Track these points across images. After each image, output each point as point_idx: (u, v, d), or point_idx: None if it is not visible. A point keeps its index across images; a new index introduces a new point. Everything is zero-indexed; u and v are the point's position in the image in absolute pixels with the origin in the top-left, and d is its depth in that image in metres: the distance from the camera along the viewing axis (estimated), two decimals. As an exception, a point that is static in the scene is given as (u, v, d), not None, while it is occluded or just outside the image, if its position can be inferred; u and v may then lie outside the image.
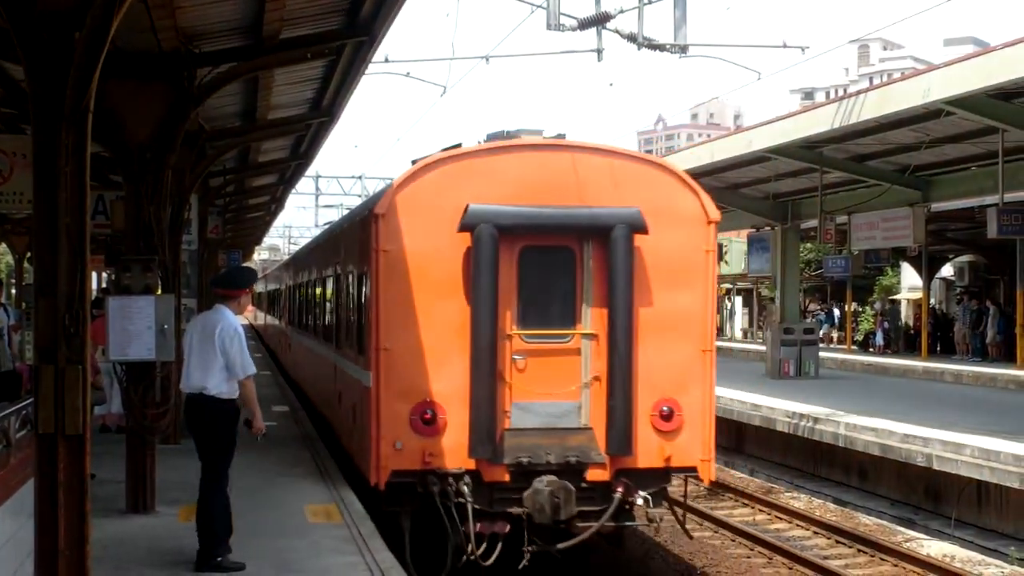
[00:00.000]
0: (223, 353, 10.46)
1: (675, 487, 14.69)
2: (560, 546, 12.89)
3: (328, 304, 19.86)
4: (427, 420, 12.90)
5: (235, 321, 10.76)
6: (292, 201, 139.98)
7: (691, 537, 15.47)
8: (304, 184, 62.24)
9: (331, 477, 15.78)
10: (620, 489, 12.94)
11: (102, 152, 14.11)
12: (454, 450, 12.86)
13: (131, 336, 11.96)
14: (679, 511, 14.27)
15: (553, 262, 13.39)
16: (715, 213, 13.91)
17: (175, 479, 14.35)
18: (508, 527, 12.81)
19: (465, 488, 12.71)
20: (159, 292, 12.72)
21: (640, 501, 13.07)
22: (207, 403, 10.52)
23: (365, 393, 13.62)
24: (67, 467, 6.77)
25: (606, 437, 12.99)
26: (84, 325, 6.83)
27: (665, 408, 13.29)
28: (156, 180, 12.98)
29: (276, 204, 41.91)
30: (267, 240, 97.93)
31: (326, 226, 33.69)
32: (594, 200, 13.21)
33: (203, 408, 10.56)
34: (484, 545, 12.65)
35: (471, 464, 12.84)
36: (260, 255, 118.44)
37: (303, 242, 61.02)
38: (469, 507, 12.63)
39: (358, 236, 14.98)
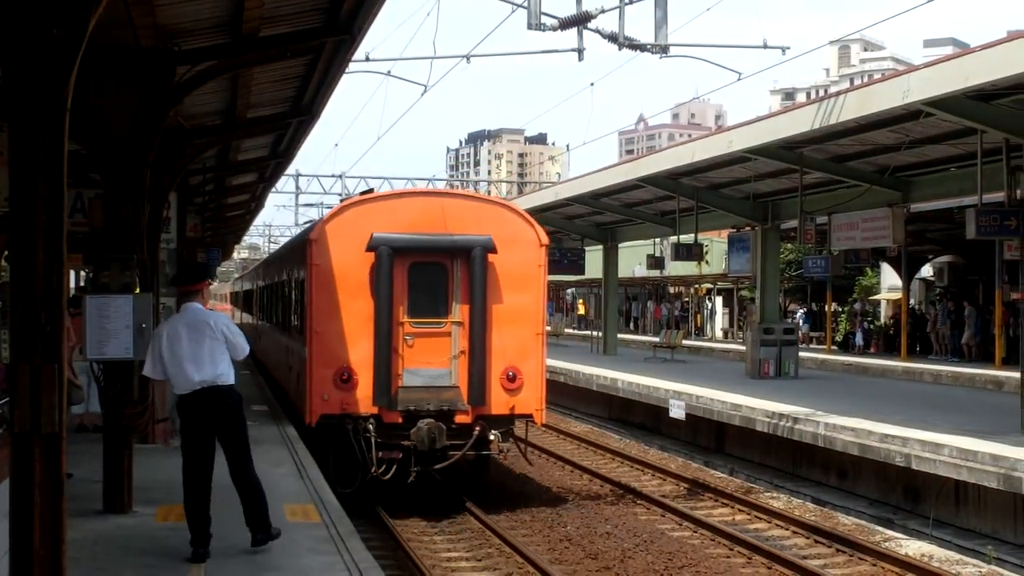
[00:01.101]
0: (226, 339, 11.04)
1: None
2: (437, 467, 18.32)
3: (282, 302, 25.45)
4: (344, 380, 18.38)
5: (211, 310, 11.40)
6: (272, 200, 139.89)
7: (531, 464, 21.68)
8: (284, 183, 62.24)
9: (310, 476, 15.78)
10: (478, 428, 18.46)
11: (80, 150, 14.06)
12: (363, 400, 18.34)
13: (109, 335, 11.91)
14: (521, 445, 19.81)
15: (432, 272, 18.86)
16: (545, 239, 19.61)
17: (152, 479, 14.34)
18: (400, 454, 18.10)
19: (370, 427, 18.15)
20: (137, 291, 12.68)
21: (492, 437, 18.52)
22: (224, 392, 11.06)
23: (303, 363, 19.26)
24: (43, 466, 6.72)
25: (468, 393, 18.45)
26: (61, 324, 6.80)
27: (510, 373, 18.79)
28: (134, 178, 12.94)
29: (256, 203, 41.89)
30: (247, 239, 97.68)
31: (288, 238, 42.37)
32: (461, 230, 18.77)
33: (222, 397, 11.06)
34: (384, 466, 18.05)
35: (375, 410, 18.28)
36: (240, 254, 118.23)
37: (283, 241, 62.03)
38: (373, 440, 18.06)
39: (299, 254, 20.86)
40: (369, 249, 18.31)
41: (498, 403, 18.63)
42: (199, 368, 10.91)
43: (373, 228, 18.44)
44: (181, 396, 11.14)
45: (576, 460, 24.47)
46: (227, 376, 11.07)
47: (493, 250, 18.53)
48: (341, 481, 17.54)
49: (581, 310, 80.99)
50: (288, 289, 23.89)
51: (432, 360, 18.63)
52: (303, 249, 19.78)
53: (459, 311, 18.68)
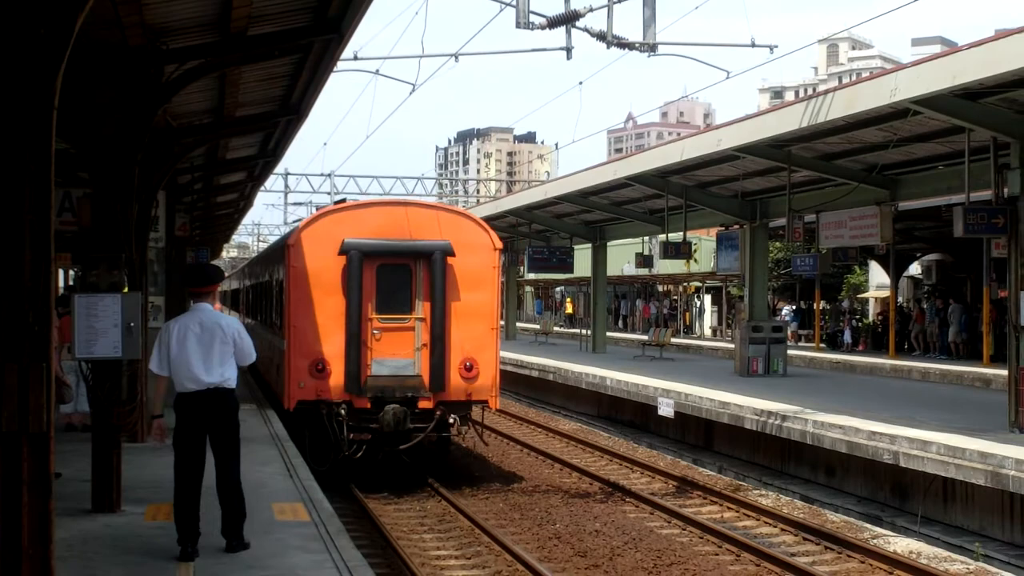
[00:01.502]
0: (236, 344, 11.08)
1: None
2: (402, 447, 20.35)
3: (264, 300, 27.28)
4: (319, 370, 20.31)
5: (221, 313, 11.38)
6: (261, 199, 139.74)
7: (486, 444, 23.75)
8: (273, 181, 62.17)
9: (299, 475, 15.77)
10: (439, 413, 20.40)
11: (68, 149, 14.04)
12: (336, 388, 20.25)
13: (97, 334, 11.87)
14: (477, 427, 21.54)
15: (397, 274, 20.71)
16: (499, 243, 21.61)
17: (141, 478, 14.33)
18: (369, 436, 20.15)
19: (342, 411, 20.04)
20: (126, 290, 12.66)
21: (452, 420, 20.57)
22: (228, 395, 11.09)
23: (282, 354, 20.96)
24: (31, 466, 6.71)
25: (430, 381, 20.38)
26: (48, 323, 6.79)
27: (467, 363, 20.69)
28: (123, 177, 12.92)
29: (245, 202, 41.86)
30: (236, 238, 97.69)
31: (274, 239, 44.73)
32: (423, 236, 20.71)
33: (225, 400, 11.08)
34: (355, 447, 20.12)
35: (346, 397, 20.17)
36: (229, 253, 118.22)
37: (272, 239, 62.58)
38: (345, 423, 20.00)
39: (279, 257, 23.05)
40: (341, 253, 20.37)
41: (457, 390, 20.65)
42: (208, 369, 10.92)
43: (345, 234, 20.52)
44: (181, 394, 11.09)
45: (566, 458, 24.47)
46: (232, 380, 11.09)
47: (452, 253, 20.55)
48: (316, 460, 19.35)
49: (569, 309, 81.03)
50: (269, 288, 25.65)
51: (397, 352, 20.59)
52: (282, 253, 21.87)
53: (421, 308, 20.67)
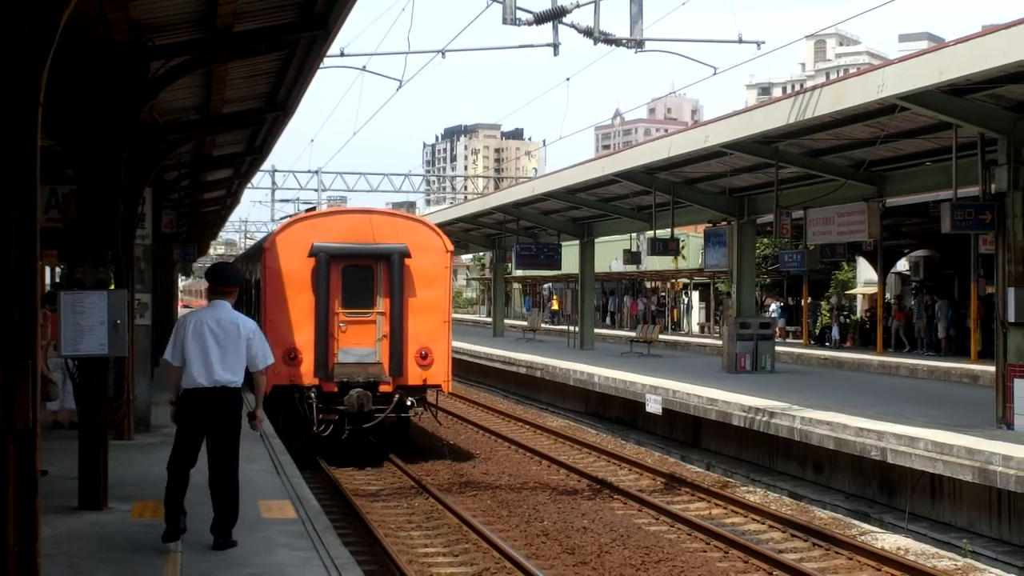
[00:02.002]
0: (249, 346, 11.12)
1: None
2: (365, 426, 22.65)
3: (244, 296, 27.85)
4: (292, 358, 22.71)
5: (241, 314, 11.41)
6: (248, 195, 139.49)
7: (440, 423, 26.90)
8: (260, 178, 62.14)
9: (286, 473, 15.75)
10: (398, 396, 22.92)
11: (54, 145, 14.00)
12: (306, 374, 22.77)
13: (83, 331, 11.85)
14: (433, 409, 24.22)
15: (361, 273, 23.28)
16: (450, 246, 24.42)
17: (128, 475, 14.31)
18: (336, 416, 22.51)
19: (312, 395, 22.58)
20: (112, 287, 12.62)
21: (409, 403, 23.11)
22: (232, 394, 11.10)
23: None
24: (17, 463, 6.68)
25: (389, 368, 22.96)
26: (35, 320, 6.76)
27: (423, 352, 23.28)
28: (109, 174, 12.88)
29: (232, 198, 41.77)
30: (223, 235, 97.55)
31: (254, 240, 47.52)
32: (383, 240, 23.33)
33: (229, 399, 11.08)
34: (323, 426, 22.56)
35: (316, 381, 22.70)
36: (216, 250, 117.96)
37: (259, 236, 63.05)
38: (315, 405, 22.51)
39: (256, 259, 25.67)
40: (311, 255, 23.01)
41: (413, 376, 23.25)
42: (220, 367, 10.96)
43: (314, 239, 23.18)
44: (188, 390, 11.05)
45: (554, 455, 24.47)
46: (240, 380, 11.14)
47: (408, 255, 23.20)
48: (289, 438, 21.43)
49: (555, 305, 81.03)
50: (248, 286, 27.74)
51: (361, 342, 23.17)
52: (259, 255, 24.63)
53: (382, 303, 23.30)
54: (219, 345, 10.98)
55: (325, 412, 22.58)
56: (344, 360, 22.89)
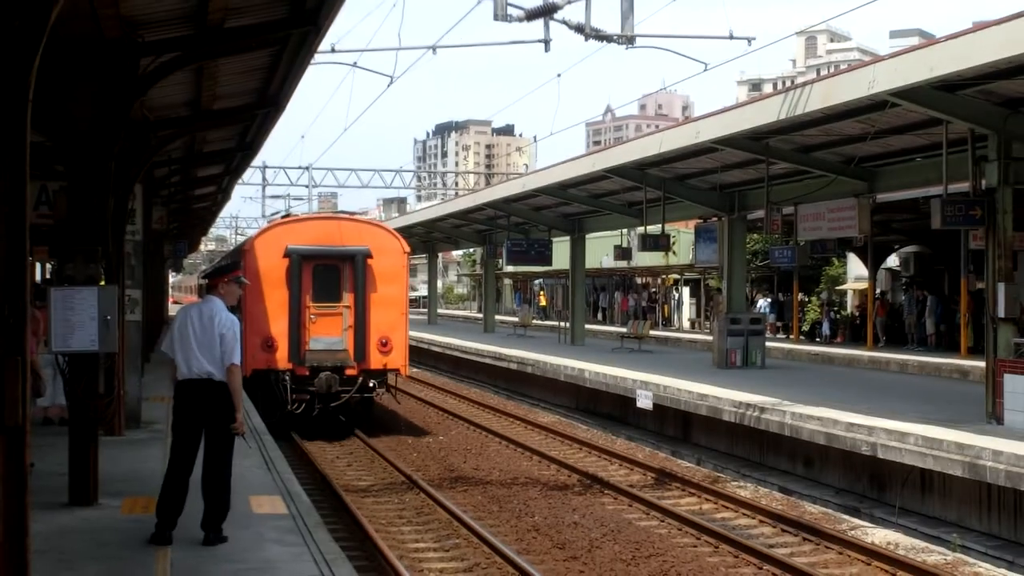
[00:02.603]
0: (221, 340, 11.04)
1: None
2: (332, 405, 25.72)
3: None
4: (269, 346, 25.56)
5: (228, 311, 11.33)
6: (239, 191, 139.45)
7: (399, 402, 29.56)
8: (251, 174, 62.13)
9: (277, 468, 15.75)
10: (362, 378, 25.82)
11: (44, 142, 13.98)
12: (281, 360, 25.61)
13: (74, 327, 11.86)
14: (393, 390, 27.26)
15: (330, 272, 26.27)
16: (407, 248, 27.55)
17: (117, 471, 14.29)
18: (307, 396, 25.52)
19: (287, 378, 25.46)
20: (102, 283, 12.62)
21: (372, 384, 26.14)
22: (217, 387, 11.04)
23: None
24: (7, 459, 6.69)
25: (354, 354, 25.92)
26: (25, 316, 6.76)
27: (383, 340, 26.16)
28: (99, 170, 12.87)
29: (222, 194, 41.73)
30: (214, 231, 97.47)
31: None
32: (349, 243, 26.37)
33: (213, 392, 11.04)
34: (296, 404, 25.45)
35: (290, 366, 25.55)
36: (207, 246, 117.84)
37: (250, 232, 63.63)
38: (288, 387, 25.40)
39: (237, 259, 27.55)
40: (285, 256, 25.88)
41: (375, 361, 26.21)
42: (198, 359, 11.01)
43: (288, 242, 26.12)
44: (179, 381, 11.14)
45: (544, 451, 24.46)
46: (221, 373, 11.10)
47: (371, 256, 26.21)
48: (266, 414, 24.35)
49: (543, 301, 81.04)
50: None
51: (329, 332, 26.06)
52: (240, 255, 27.34)
53: (348, 298, 26.22)
54: (197, 338, 11.04)
55: (298, 392, 25.53)
56: (314, 347, 25.84)
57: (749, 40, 27.98)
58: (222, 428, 11.10)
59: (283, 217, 30.41)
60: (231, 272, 11.82)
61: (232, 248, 53.84)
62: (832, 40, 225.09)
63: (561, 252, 49.02)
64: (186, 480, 11.06)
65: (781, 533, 16.93)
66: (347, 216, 29.60)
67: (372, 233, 27.39)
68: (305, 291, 25.88)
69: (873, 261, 41.30)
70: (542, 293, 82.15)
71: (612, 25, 23.69)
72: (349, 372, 25.85)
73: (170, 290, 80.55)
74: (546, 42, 23.57)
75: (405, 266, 27.48)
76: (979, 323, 30.25)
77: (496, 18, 21.81)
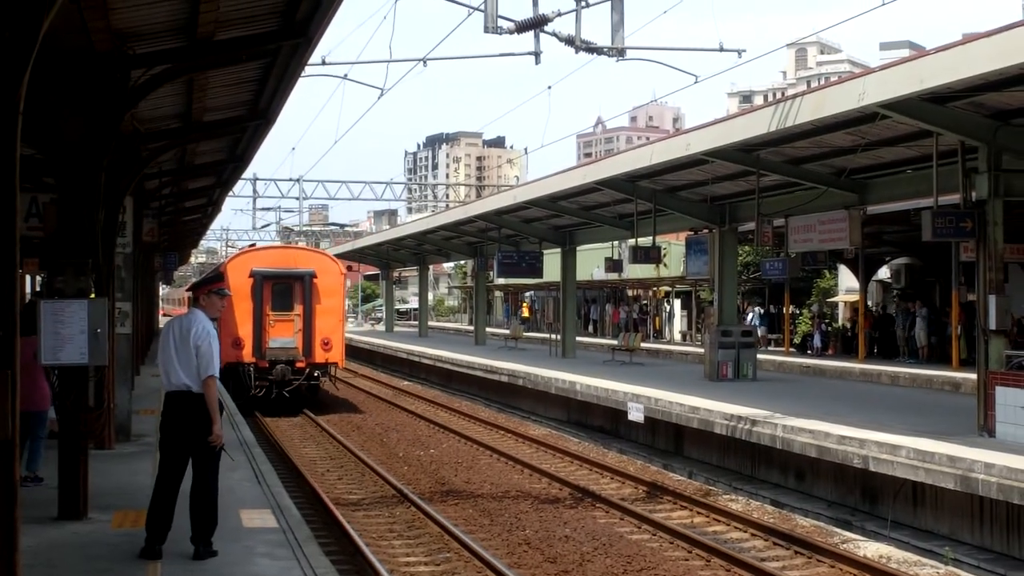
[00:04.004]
0: (196, 352, 10.98)
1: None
2: (286, 391, 33.83)
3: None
4: (237, 344, 33.33)
5: (208, 323, 11.26)
6: (229, 204, 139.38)
7: (338, 389, 39.12)
8: (241, 186, 62.05)
9: (267, 482, 15.70)
10: (308, 369, 34.13)
11: (35, 154, 13.94)
12: (247, 355, 33.68)
13: (64, 340, 11.82)
14: (333, 379, 36.16)
15: (285, 288, 34.35)
16: (343, 269, 36.72)
17: (108, 485, 14.24)
18: (267, 383, 33.59)
19: (251, 370, 33.59)
20: (93, 295, 12.58)
21: (317, 374, 34.66)
22: (194, 399, 10.96)
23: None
24: (-4, 473, 6.65)
25: (303, 351, 33.99)
26: (14, 329, 6.73)
27: (325, 340, 34.29)
28: (89, 182, 12.84)
29: (213, 207, 41.76)
30: (204, 243, 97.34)
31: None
32: (300, 266, 34.83)
33: (192, 404, 10.97)
34: (258, 390, 33.57)
35: (253, 360, 33.65)
36: (197, 258, 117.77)
37: (241, 244, 64.74)
38: (252, 376, 33.54)
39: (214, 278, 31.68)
40: (250, 276, 34.13)
41: (319, 356, 34.56)
42: (177, 372, 10.98)
43: (253, 265, 34.67)
44: (165, 394, 11.14)
45: (535, 464, 24.42)
46: (199, 386, 11.04)
47: (316, 276, 34.70)
48: (235, 398, 31.11)
49: (526, 312, 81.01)
50: None
51: (284, 334, 34.29)
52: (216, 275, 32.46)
53: (298, 308, 34.58)
54: (177, 350, 11.03)
55: (260, 380, 33.87)
56: (273, 346, 34.08)
57: (739, 52, 28.01)
58: (202, 441, 11.02)
59: (250, 247, 40.62)
60: (212, 284, 11.78)
61: (212, 269, 61.98)
62: (822, 52, 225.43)
63: (552, 264, 48.99)
64: (174, 494, 11.01)
65: (773, 547, 16.91)
66: (299, 246, 39.09)
67: (317, 259, 36.59)
68: (266, 302, 34.22)
69: (864, 273, 41.34)
70: (525, 304, 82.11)
71: (603, 37, 23.70)
72: (299, 365, 34.26)
73: (161, 303, 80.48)
74: (537, 54, 23.52)
75: (342, 284, 36.91)
76: (971, 335, 30.27)
77: (487, 30, 21.78)
